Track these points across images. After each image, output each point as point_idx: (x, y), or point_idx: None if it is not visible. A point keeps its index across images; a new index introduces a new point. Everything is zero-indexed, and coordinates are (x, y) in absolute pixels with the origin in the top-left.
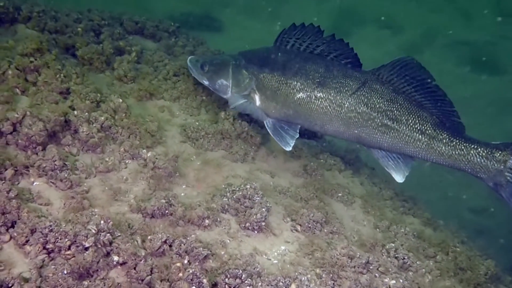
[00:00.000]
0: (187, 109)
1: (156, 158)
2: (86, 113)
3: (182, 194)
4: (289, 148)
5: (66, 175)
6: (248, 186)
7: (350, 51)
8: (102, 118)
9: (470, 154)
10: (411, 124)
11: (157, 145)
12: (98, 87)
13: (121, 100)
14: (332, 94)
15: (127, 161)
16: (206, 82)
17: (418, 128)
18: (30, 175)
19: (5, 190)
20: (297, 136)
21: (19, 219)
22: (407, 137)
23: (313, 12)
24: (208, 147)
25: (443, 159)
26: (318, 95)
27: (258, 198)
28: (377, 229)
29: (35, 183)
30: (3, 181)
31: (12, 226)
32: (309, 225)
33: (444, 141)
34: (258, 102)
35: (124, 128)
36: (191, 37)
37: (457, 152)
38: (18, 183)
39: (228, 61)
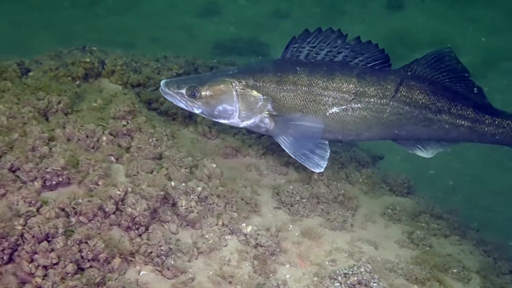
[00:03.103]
0: (275, 167)
1: (258, 235)
2: (183, 184)
3: (288, 276)
4: (320, 170)
5: (172, 262)
6: (362, 270)
7: (379, 52)
8: (199, 188)
9: None
10: (453, 112)
11: (253, 214)
12: (189, 150)
13: (214, 165)
14: (372, 103)
15: (227, 237)
16: (198, 110)
17: (461, 114)
18: (136, 263)
19: None
20: (328, 155)
21: None
22: (450, 125)
23: (362, 35)
24: (304, 213)
25: (486, 138)
26: (356, 106)
27: (375, 284)
28: None
29: (142, 273)
30: (114, 276)
31: None
32: None
33: (487, 122)
34: (276, 123)
35: (220, 197)
36: None
37: (500, 131)
38: (125, 273)
39: (227, 82)
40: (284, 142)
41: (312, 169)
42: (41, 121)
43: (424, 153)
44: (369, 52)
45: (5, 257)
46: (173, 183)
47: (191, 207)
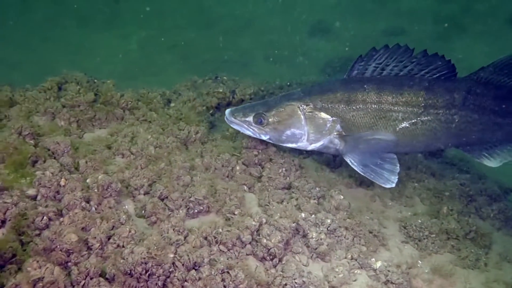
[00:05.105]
0: (400, 198)
1: (388, 271)
2: (313, 215)
3: None
4: (391, 185)
5: None
6: None
7: (446, 63)
8: (328, 220)
9: None
10: None
11: (381, 248)
12: (315, 180)
13: (342, 197)
14: (441, 114)
15: (356, 272)
16: (265, 137)
17: None
18: None
19: None
20: (398, 170)
21: None
22: None
23: (482, 52)
24: (433, 249)
25: None
26: (425, 118)
27: None
28: None
29: None
30: None
31: None
32: None
33: None
34: (345, 143)
35: (348, 230)
36: None
37: None
38: None
39: (294, 106)
40: (353, 160)
41: (383, 185)
42: (183, 150)
43: (491, 163)
44: (435, 64)
45: (160, 283)
46: (303, 215)
47: (321, 239)
